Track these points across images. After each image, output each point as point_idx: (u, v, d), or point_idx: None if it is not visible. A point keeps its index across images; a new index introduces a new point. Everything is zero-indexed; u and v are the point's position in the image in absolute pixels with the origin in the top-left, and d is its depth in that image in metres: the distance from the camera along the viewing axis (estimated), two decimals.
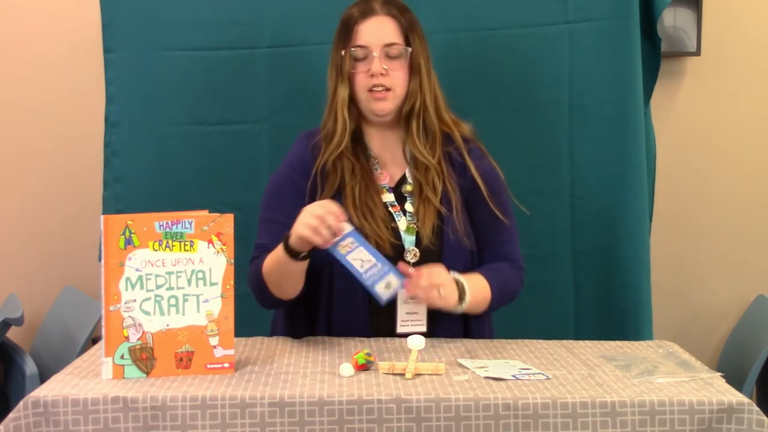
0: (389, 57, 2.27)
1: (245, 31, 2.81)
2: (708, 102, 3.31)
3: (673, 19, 3.22)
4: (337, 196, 2.27)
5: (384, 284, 2.14)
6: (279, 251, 2.16)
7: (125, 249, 1.92)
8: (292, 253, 2.13)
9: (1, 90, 3.29)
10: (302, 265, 2.18)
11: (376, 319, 2.26)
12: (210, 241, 1.95)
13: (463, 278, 2.23)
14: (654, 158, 2.88)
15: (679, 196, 3.30)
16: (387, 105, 2.29)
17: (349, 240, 2.13)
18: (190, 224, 1.95)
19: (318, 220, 2.06)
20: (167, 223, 1.94)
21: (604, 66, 2.78)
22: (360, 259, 2.13)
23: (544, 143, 2.84)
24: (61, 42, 3.25)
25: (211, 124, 2.84)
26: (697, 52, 3.25)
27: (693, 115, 3.31)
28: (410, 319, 2.25)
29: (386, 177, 2.34)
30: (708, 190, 3.34)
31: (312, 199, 2.26)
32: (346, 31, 2.29)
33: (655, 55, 2.85)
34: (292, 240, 2.11)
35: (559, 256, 2.85)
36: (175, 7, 2.81)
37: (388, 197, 2.32)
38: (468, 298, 2.21)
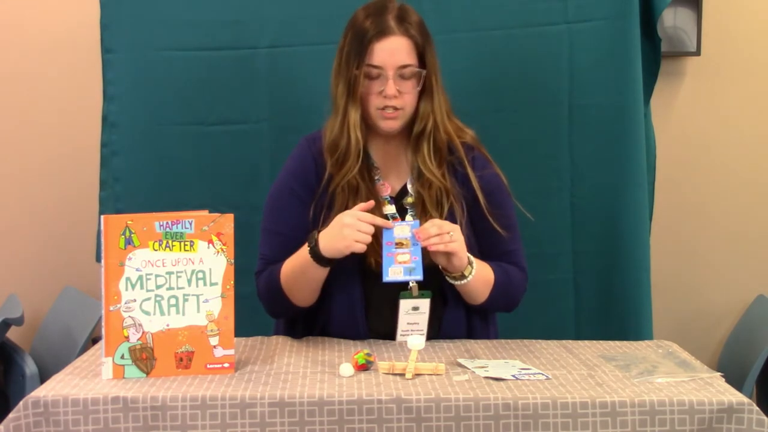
0: (402, 78, 2.25)
1: (245, 31, 2.81)
2: (708, 102, 3.31)
3: (673, 19, 3.23)
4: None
5: (401, 270, 2.11)
6: (302, 258, 2.16)
7: (125, 249, 1.92)
8: (321, 260, 2.14)
9: (1, 90, 3.29)
10: (326, 271, 2.18)
11: (375, 325, 2.26)
12: (210, 241, 1.95)
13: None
14: (654, 158, 2.88)
15: (679, 196, 3.31)
16: (396, 123, 2.28)
17: (408, 225, 2.15)
18: (190, 224, 1.95)
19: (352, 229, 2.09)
20: (167, 223, 1.94)
21: (604, 66, 2.78)
22: (402, 239, 2.14)
23: (544, 143, 2.83)
24: (61, 42, 3.24)
25: (211, 124, 2.84)
26: (697, 52, 3.25)
27: (693, 115, 3.31)
28: (411, 329, 2.23)
29: (388, 188, 2.32)
30: (708, 190, 3.34)
31: (316, 217, 2.26)
32: (360, 48, 2.23)
33: (655, 55, 2.84)
34: (325, 249, 2.12)
35: (559, 256, 2.85)
36: (175, 7, 2.81)
37: (390, 209, 2.30)
38: (476, 266, 2.19)
